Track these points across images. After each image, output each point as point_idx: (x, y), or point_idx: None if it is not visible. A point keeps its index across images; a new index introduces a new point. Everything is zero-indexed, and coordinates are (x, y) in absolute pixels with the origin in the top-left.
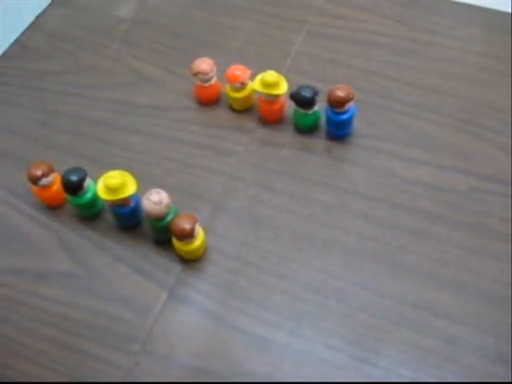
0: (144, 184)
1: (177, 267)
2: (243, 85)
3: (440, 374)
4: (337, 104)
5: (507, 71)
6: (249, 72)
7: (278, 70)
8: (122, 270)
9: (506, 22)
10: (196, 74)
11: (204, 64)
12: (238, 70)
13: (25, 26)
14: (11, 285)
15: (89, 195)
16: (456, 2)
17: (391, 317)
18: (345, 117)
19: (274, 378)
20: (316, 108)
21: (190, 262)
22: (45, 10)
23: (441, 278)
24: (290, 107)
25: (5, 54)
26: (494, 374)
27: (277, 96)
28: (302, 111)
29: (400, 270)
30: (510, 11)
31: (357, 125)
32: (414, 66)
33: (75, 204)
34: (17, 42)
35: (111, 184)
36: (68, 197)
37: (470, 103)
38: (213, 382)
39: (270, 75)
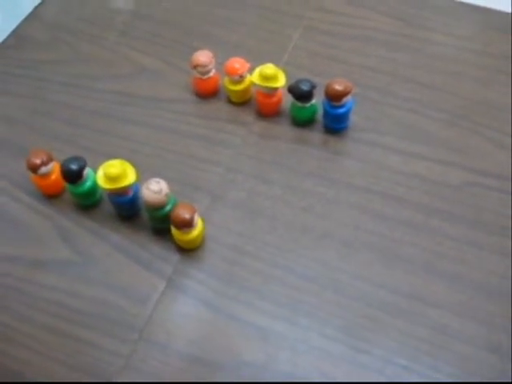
0: (143, 174)
1: (175, 256)
2: (241, 78)
3: (433, 363)
4: (334, 97)
5: (504, 69)
6: (247, 65)
7: (276, 64)
8: (121, 259)
9: (505, 22)
10: (195, 67)
11: (203, 56)
12: (237, 63)
13: (23, 16)
14: (9, 272)
15: (88, 184)
16: (454, 1)
17: (386, 307)
18: (342, 110)
19: (271, 367)
20: (313, 101)
21: (188, 251)
22: (43, 1)
23: (435, 269)
24: (287, 100)
25: (3, 43)
26: (486, 363)
27: (275, 89)
28: (299, 104)
29: (395, 261)
30: (509, 11)
31: (354, 119)
32: (411, 63)
33: (74, 193)
34: (15, 32)
35: (111, 173)
36: (67, 186)
37: (466, 100)
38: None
39: (269, 68)
